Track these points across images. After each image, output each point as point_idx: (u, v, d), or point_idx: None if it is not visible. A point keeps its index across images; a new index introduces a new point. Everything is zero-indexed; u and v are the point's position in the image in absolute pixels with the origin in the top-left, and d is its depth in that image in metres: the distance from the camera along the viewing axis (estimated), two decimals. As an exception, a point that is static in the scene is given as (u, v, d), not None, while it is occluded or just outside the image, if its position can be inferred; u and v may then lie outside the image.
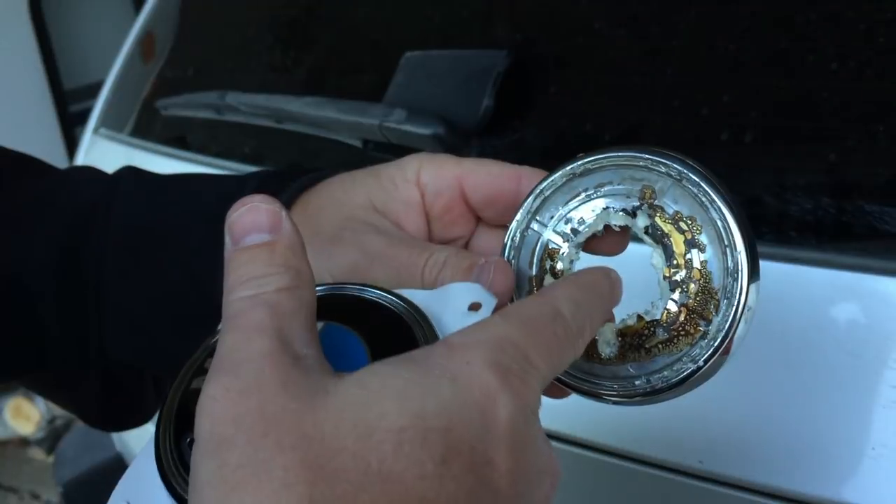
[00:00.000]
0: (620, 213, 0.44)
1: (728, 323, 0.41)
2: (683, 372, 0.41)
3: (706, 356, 0.41)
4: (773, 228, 0.64)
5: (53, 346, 0.54)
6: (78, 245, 0.53)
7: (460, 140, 0.84)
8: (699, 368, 0.41)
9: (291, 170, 0.55)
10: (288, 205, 0.50)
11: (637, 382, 0.42)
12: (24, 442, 3.02)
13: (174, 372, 0.57)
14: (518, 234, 0.46)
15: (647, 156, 0.43)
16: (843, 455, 0.57)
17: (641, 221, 0.44)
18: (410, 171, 0.48)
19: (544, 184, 0.45)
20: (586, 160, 0.45)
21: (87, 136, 1.55)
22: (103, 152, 1.47)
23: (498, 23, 0.93)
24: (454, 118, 0.84)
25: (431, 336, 0.37)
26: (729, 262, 0.41)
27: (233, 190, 0.53)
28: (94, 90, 1.63)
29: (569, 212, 0.46)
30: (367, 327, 0.38)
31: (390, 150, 0.90)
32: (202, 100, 1.19)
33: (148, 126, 1.40)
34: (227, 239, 0.34)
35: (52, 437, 2.89)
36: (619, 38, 0.80)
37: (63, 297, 0.53)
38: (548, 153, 0.80)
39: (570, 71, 0.84)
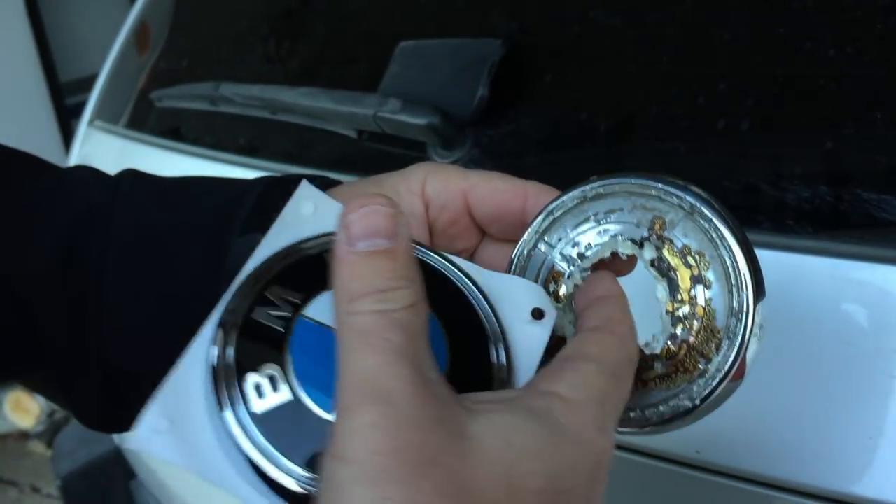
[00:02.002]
0: (628, 242, 0.44)
1: (728, 364, 0.40)
2: (679, 409, 0.41)
3: (703, 395, 0.40)
4: (769, 217, 0.63)
5: (52, 348, 0.53)
6: (78, 248, 0.52)
7: (455, 130, 0.83)
8: (695, 407, 0.41)
9: (295, 176, 0.54)
10: None
11: (631, 415, 0.42)
12: (24, 435, 3.02)
13: None
14: (525, 253, 0.45)
15: (660, 185, 0.42)
16: (839, 444, 0.57)
17: (648, 253, 0.43)
18: (415, 182, 0.47)
19: (554, 204, 0.45)
20: (599, 184, 0.44)
21: (83, 129, 1.54)
22: (98, 145, 1.46)
23: (493, 12, 0.92)
24: (449, 108, 0.83)
25: (506, 355, 0.39)
26: (734, 302, 0.40)
27: (236, 195, 0.53)
28: (90, 83, 1.62)
29: (577, 235, 0.45)
30: (443, 310, 0.38)
31: (385, 140, 0.89)
32: (196, 91, 1.18)
33: (143, 118, 1.39)
34: (342, 236, 0.33)
35: (51, 431, 2.90)
36: (614, 26, 0.80)
37: (63, 299, 0.52)
38: (543, 143, 0.80)
39: (566, 60, 0.83)
